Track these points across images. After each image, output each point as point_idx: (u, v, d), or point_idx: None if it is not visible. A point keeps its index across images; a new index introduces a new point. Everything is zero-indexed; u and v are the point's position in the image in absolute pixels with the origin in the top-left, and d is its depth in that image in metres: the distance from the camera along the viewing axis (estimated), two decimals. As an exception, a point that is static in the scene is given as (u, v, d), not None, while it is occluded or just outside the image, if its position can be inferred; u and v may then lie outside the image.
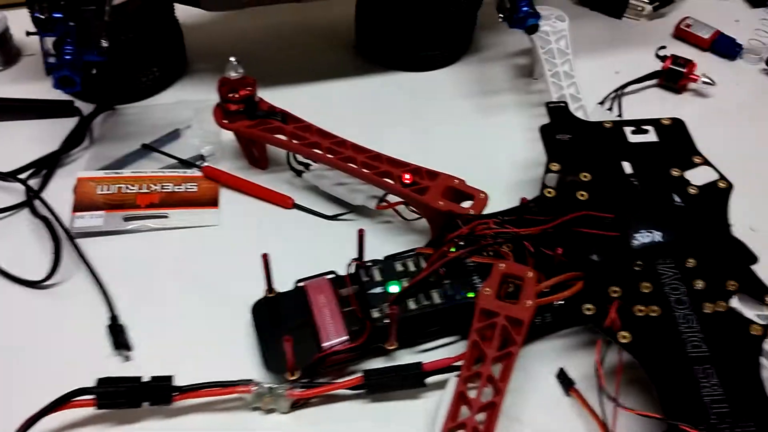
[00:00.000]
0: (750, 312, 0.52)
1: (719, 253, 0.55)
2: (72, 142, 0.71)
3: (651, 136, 0.64)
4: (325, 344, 0.53)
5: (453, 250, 0.56)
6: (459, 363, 0.50)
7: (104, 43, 0.65)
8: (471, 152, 0.73)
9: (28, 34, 0.65)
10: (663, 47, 0.86)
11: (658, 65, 0.82)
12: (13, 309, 0.59)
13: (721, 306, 0.52)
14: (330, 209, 0.67)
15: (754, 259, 0.56)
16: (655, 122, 0.65)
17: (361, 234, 0.56)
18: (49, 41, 0.63)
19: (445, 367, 0.51)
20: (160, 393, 0.49)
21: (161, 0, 0.75)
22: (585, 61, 0.82)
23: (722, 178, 0.61)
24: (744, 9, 0.94)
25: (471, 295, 0.54)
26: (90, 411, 0.49)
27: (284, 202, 0.67)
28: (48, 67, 0.63)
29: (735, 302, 0.52)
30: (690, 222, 0.57)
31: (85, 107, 0.75)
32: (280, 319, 0.55)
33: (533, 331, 0.55)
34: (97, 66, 0.66)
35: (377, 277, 0.56)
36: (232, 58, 0.64)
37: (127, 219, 0.64)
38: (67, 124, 0.73)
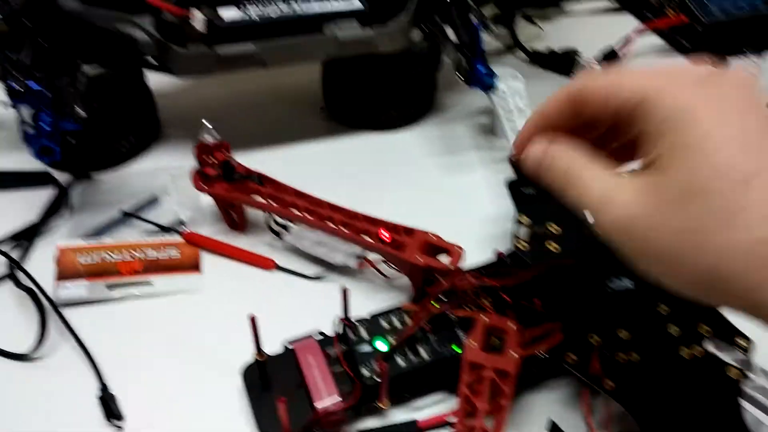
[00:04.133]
0: (725, 355, 0.52)
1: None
2: (51, 211, 0.71)
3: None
4: (318, 405, 0.52)
5: (435, 305, 0.57)
6: (453, 419, 0.50)
7: (81, 112, 0.65)
8: (441, 209, 0.74)
9: (4, 105, 0.66)
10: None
11: (610, 119, 0.86)
12: (0, 383, 0.57)
13: (697, 351, 0.52)
14: (312, 269, 0.67)
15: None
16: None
17: (345, 292, 0.56)
18: (26, 112, 0.63)
19: (439, 424, 0.52)
20: (160, 463, 0.48)
21: (131, 68, 0.76)
22: (542, 117, 0.86)
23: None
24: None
25: (456, 348, 0.56)
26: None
27: (266, 264, 0.68)
28: (27, 138, 0.63)
29: (710, 346, 0.53)
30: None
31: (61, 177, 0.75)
32: (271, 382, 0.55)
33: (522, 381, 0.55)
34: (74, 135, 0.66)
35: (364, 335, 0.56)
36: (206, 123, 0.65)
37: (110, 287, 0.64)
38: (44, 194, 0.73)
